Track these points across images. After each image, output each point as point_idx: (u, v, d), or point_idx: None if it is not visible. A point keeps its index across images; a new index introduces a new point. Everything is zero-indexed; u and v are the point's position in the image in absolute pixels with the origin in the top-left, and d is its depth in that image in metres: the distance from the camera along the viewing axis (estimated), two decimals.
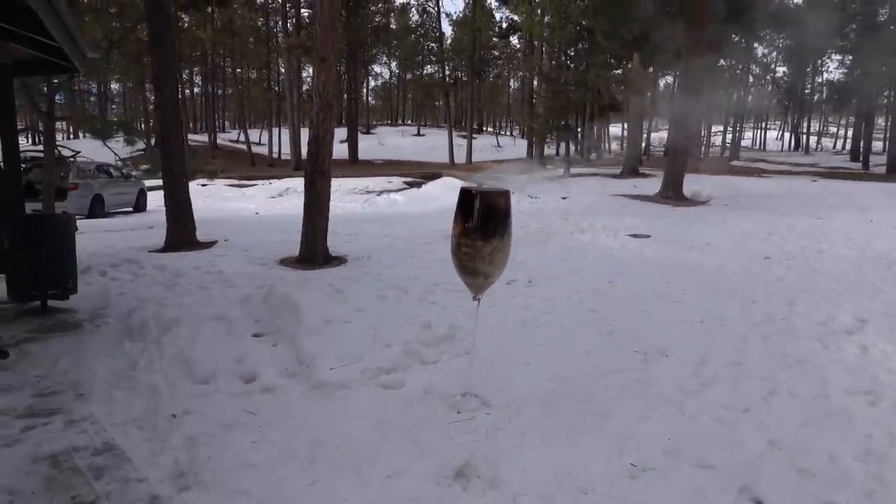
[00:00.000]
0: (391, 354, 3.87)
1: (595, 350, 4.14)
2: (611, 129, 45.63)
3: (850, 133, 56.49)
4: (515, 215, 11.64)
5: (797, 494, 2.49)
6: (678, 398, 3.38)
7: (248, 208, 18.40)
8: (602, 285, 6.01)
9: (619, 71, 21.91)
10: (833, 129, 64.52)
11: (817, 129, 60.71)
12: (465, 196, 3.04)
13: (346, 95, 36.00)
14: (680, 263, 7.14)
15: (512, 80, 65.19)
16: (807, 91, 48.25)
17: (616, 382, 3.59)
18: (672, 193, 13.78)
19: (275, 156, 35.17)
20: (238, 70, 41.08)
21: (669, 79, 37.89)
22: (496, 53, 51.85)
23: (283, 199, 21.56)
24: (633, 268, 6.84)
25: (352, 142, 35.22)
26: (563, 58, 24.49)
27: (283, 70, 38.91)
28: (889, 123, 36.76)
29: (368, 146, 40.95)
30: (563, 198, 14.05)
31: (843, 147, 54.92)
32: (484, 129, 57.01)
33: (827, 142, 60.17)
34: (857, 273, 6.77)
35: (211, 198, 20.62)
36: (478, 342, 4.22)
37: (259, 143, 40.22)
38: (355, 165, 31.54)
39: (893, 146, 26.85)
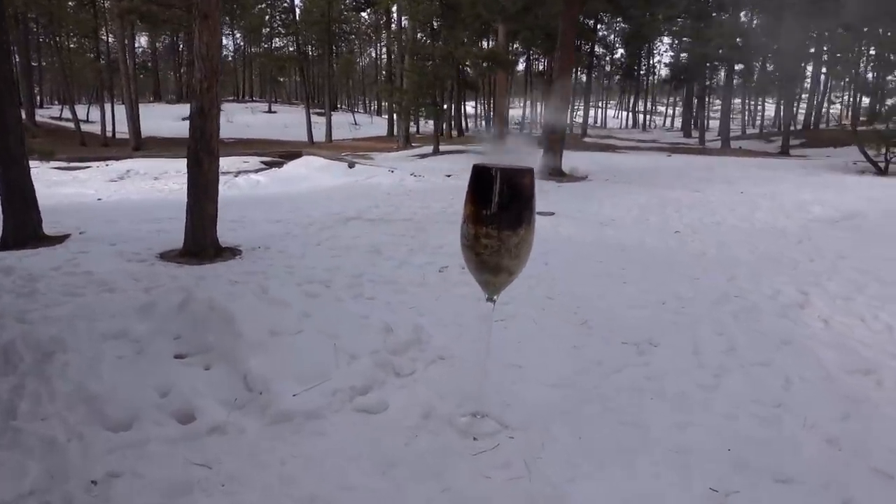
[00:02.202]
0: (360, 368, 3.19)
1: (581, 344, 3.73)
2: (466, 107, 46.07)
3: (677, 111, 61.85)
4: (407, 195, 10.98)
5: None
6: (700, 396, 3.05)
7: (87, 194, 16.12)
8: (540, 268, 5.64)
9: (475, 48, 21.82)
10: (661, 109, 70.25)
11: (648, 108, 65.60)
12: (482, 176, 2.43)
13: (183, 69, 32.98)
14: (600, 241, 6.99)
15: (361, 56, 64.02)
16: (642, 72, 51.83)
17: (625, 383, 3.19)
18: (552, 170, 13.88)
19: (109, 134, 31.46)
20: (58, 38, 36.09)
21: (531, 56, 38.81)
22: (346, 28, 50.22)
23: (127, 182, 19.23)
24: (558, 247, 6.55)
25: None
26: (428, 31, 23.97)
27: (112, 38, 34.82)
28: (707, 103, 40.52)
29: None
30: (448, 175, 13.65)
31: (672, 124, 60.00)
32: (339, 106, 55.22)
33: (657, 119, 65.28)
34: (762, 244, 7.00)
35: (37, 182, 17.82)
36: (447, 344, 3.67)
37: (88, 121, 35.85)
38: None
39: (724, 125, 29.54)
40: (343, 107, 57.81)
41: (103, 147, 28.45)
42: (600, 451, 2.52)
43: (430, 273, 5.47)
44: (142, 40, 39.75)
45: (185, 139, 6.41)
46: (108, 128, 31.23)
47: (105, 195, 15.80)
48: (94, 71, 34.10)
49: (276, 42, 47.03)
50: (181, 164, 10.47)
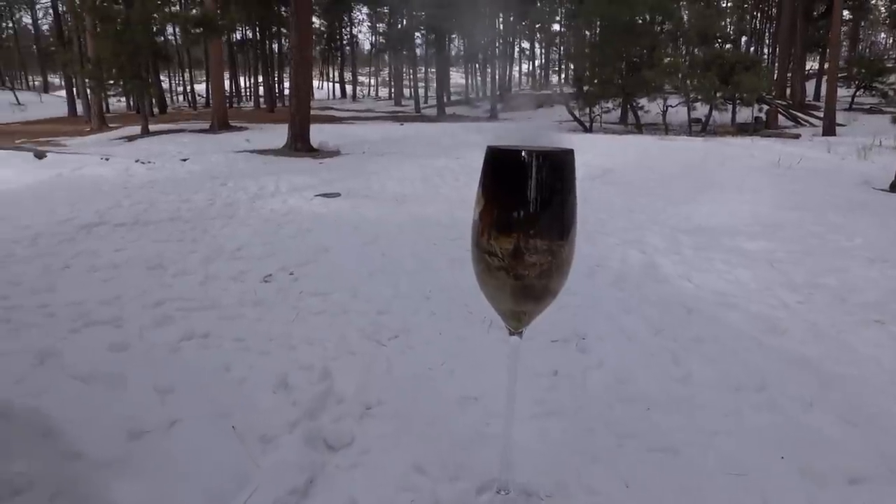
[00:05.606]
0: (285, 455, 2.19)
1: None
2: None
3: (380, 81, 63.75)
4: (150, 187, 9.18)
5: None
6: (686, 393, 2.70)
7: None
8: (379, 261, 4.91)
9: (195, 11, 19.32)
10: (363, 79, 71.83)
11: (353, 78, 66.63)
12: (511, 164, 1.65)
13: None
14: (414, 220, 6.44)
15: (10, 20, 53.73)
16: (345, 43, 51.97)
17: (602, 394, 2.70)
18: (301, 146, 12.87)
19: None
20: None
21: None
22: None
23: None
24: (378, 233, 5.85)
25: None
26: None
27: None
28: (416, 72, 42.36)
29: None
30: (185, 160, 11.73)
31: (378, 94, 61.80)
32: None
33: (362, 90, 66.62)
34: None
35: None
36: (358, 386, 2.81)
37: None
38: None
39: (439, 93, 31.01)
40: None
41: None
42: (664, 498, 2.00)
43: (255, 286, 4.37)
44: None
45: None
46: None
47: None
48: None
49: None
50: None
